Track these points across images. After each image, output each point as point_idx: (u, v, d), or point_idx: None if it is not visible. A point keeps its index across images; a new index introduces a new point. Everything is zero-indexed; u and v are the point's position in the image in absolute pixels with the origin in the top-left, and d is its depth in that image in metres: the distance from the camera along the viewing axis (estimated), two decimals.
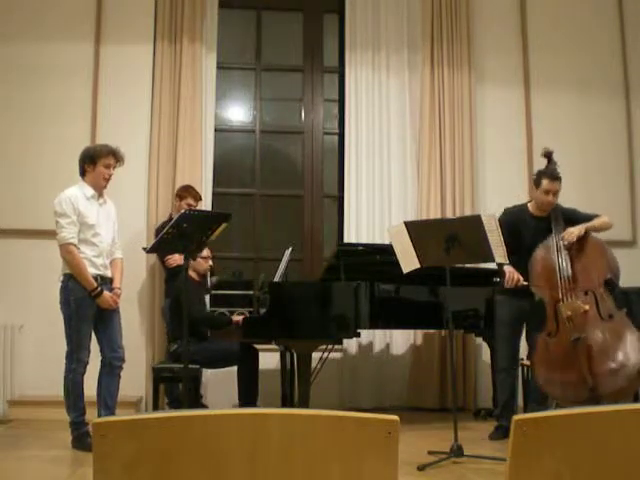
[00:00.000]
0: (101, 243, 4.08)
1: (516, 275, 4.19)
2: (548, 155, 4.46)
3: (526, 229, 4.32)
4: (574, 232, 4.17)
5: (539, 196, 4.32)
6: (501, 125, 6.05)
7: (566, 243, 4.15)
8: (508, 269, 4.20)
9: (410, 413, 5.30)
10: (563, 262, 4.13)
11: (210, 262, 5.01)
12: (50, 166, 5.36)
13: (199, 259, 4.90)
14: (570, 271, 4.11)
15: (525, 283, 4.17)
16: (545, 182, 4.27)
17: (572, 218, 4.33)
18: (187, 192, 5.18)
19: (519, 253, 4.23)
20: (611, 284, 4.13)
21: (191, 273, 4.89)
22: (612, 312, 3.98)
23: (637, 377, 3.78)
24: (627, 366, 3.78)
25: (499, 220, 3.99)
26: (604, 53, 6.16)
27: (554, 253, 4.17)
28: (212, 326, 4.91)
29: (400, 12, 5.98)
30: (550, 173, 4.29)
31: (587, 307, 3.96)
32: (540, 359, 4.07)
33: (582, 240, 4.19)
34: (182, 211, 3.91)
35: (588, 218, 4.33)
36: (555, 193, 4.29)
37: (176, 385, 5.00)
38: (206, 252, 4.96)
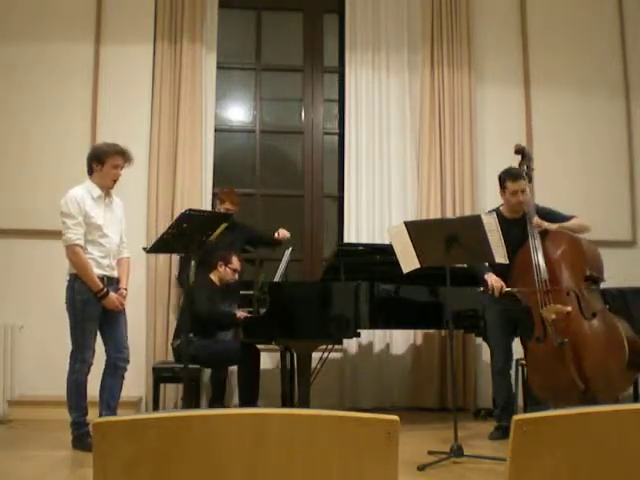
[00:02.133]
0: (108, 243, 4.06)
1: (499, 283, 4.15)
2: (521, 151, 4.43)
3: (502, 234, 4.28)
4: (545, 224, 4.15)
5: (508, 198, 4.31)
6: (501, 125, 6.05)
7: (535, 227, 4.11)
8: (490, 278, 4.18)
9: (410, 413, 5.30)
10: (540, 266, 4.07)
11: (236, 276, 5.01)
12: (50, 166, 5.37)
13: (227, 269, 4.92)
14: (547, 274, 4.05)
15: (508, 289, 4.12)
16: (509, 184, 4.26)
17: (547, 218, 4.26)
18: (227, 196, 5.21)
19: None
20: (593, 279, 4.08)
21: (214, 277, 4.93)
22: (594, 309, 3.92)
23: (626, 371, 3.76)
24: (613, 362, 3.75)
25: None
26: (604, 53, 6.16)
27: (531, 258, 4.10)
28: (219, 324, 4.93)
29: (400, 12, 5.98)
30: (512, 173, 4.27)
31: (569, 308, 3.91)
32: (532, 366, 4.06)
33: (558, 239, 4.14)
34: (182, 211, 3.91)
35: (564, 219, 4.29)
36: (523, 191, 4.26)
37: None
38: (237, 264, 4.96)
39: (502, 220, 4.24)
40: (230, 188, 5.39)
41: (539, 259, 4.08)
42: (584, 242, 4.15)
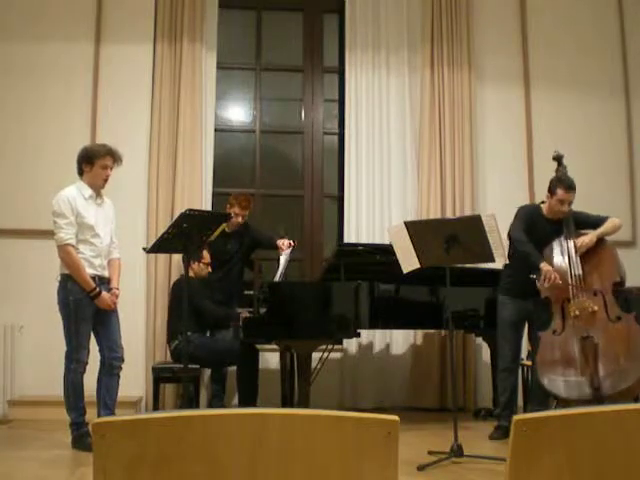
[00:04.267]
0: (100, 244, 4.07)
1: (554, 275, 4.09)
2: (558, 158, 4.46)
3: (538, 229, 4.31)
4: (586, 243, 4.19)
5: (553, 204, 4.32)
6: (501, 125, 6.05)
7: (579, 254, 4.16)
8: (545, 267, 4.11)
9: (410, 413, 5.30)
10: (574, 261, 4.14)
11: (210, 268, 5.03)
12: (49, 166, 5.36)
13: (201, 264, 4.93)
14: (581, 270, 4.12)
15: (560, 282, 4.09)
16: (560, 192, 4.25)
17: (583, 222, 4.36)
18: (235, 200, 5.20)
19: None
20: (618, 288, 4.14)
21: (192, 275, 4.92)
22: (620, 314, 3.99)
23: None
24: (632, 368, 3.78)
25: (519, 214, 4.29)
26: (604, 53, 6.16)
27: (565, 252, 4.19)
28: (216, 322, 4.94)
29: (400, 12, 5.98)
30: (566, 183, 4.26)
31: (596, 307, 3.98)
32: (544, 357, 4.06)
33: (594, 244, 4.22)
34: (182, 211, 3.91)
35: (598, 221, 4.35)
36: (569, 203, 4.28)
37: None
38: (207, 257, 4.99)
39: (541, 217, 4.39)
40: (242, 193, 5.39)
41: (574, 256, 4.15)
42: (616, 251, 4.25)
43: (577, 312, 3.98)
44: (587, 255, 4.20)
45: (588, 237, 4.23)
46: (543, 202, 4.46)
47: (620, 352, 3.85)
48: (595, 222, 4.35)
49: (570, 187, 4.26)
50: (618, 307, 4.04)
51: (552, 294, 4.15)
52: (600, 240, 4.26)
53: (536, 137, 5.95)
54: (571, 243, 4.21)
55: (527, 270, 4.25)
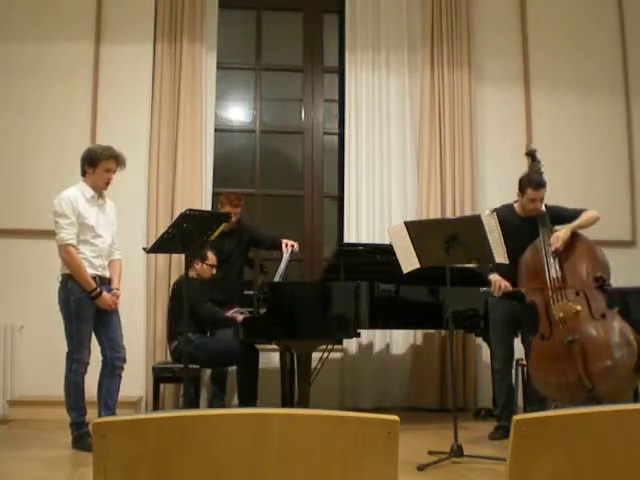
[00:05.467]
0: (101, 244, 4.07)
1: (503, 283, 4.19)
2: (532, 153, 4.45)
3: (513, 230, 4.21)
4: (560, 237, 4.13)
5: (525, 203, 4.30)
6: (501, 125, 6.05)
7: (554, 250, 4.12)
8: (493, 278, 4.22)
9: (410, 413, 5.30)
10: (551, 263, 4.09)
11: (214, 271, 5.02)
12: (50, 166, 5.36)
13: (205, 265, 4.92)
14: (559, 272, 4.07)
15: (511, 289, 4.15)
16: (530, 191, 4.24)
17: (558, 216, 4.31)
18: (226, 199, 5.23)
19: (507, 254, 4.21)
20: (602, 282, 4.09)
21: (192, 274, 4.91)
22: (604, 311, 3.93)
23: (633, 374, 3.76)
24: (622, 364, 3.75)
25: None
26: (604, 53, 6.16)
27: (542, 254, 4.13)
28: (214, 323, 4.94)
29: (400, 12, 5.98)
30: (535, 181, 4.24)
31: (579, 307, 3.92)
32: (535, 362, 4.04)
33: (570, 240, 4.16)
34: (182, 211, 3.91)
35: (574, 214, 4.30)
36: (541, 200, 4.26)
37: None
38: (212, 259, 4.98)
39: (515, 216, 4.35)
40: (233, 192, 5.40)
41: (551, 257, 4.10)
42: (595, 245, 4.18)
43: (561, 314, 3.91)
44: (564, 253, 4.13)
45: (562, 232, 4.16)
46: (517, 201, 4.43)
47: (608, 350, 3.81)
48: (570, 216, 4.29)
49: (539, 185, 4.23)
50: (602, 304, 3.97)
51: (535, 298, 4.10)
52: (576, 235, 4.19)
53: (536, 137, 5.94)
54: (547, 244, 4.14)
55: (508, 272, 4.21)
